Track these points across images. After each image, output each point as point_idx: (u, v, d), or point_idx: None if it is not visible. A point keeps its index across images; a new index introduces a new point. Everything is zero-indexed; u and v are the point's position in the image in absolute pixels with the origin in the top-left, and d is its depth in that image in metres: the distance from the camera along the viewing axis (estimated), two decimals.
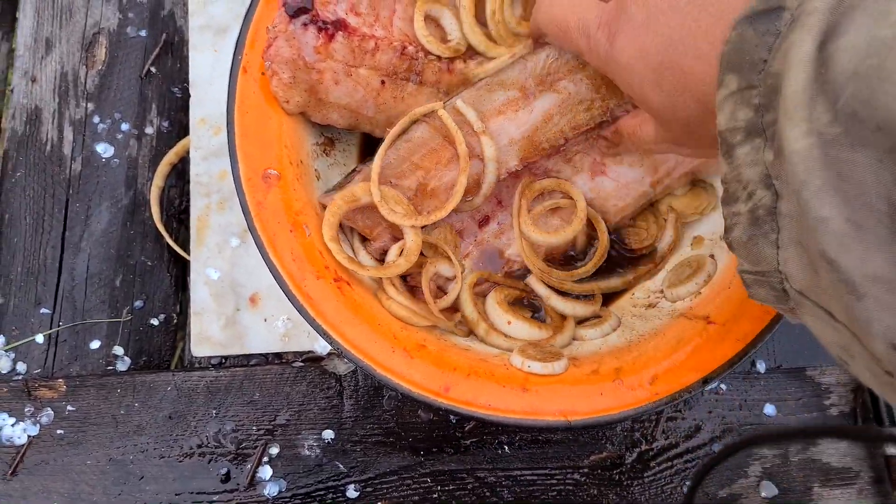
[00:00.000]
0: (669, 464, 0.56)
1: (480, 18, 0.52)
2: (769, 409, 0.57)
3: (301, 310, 0.45)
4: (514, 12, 0.52)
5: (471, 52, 0.52)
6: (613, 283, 0.52)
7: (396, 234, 0.49)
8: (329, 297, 0.46)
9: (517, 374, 0.46)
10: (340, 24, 0.48)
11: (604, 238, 0.51)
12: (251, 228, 0.45)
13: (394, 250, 0.49)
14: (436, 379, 0.45)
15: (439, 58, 0.51)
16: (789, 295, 0.30)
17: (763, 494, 0.56)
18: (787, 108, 0.25)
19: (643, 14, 0.36)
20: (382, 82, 0.51)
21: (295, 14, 0.47)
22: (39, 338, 0.57)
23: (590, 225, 0.52)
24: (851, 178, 0.23)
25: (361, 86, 0.50)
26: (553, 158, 0.51)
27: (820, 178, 0.24)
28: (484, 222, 0.52)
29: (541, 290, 0.51)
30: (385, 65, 0.50)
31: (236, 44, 0.47)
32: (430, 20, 0.51)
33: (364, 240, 0.50)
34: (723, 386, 0.57)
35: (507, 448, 0.56)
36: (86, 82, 0.61)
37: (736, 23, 0.29)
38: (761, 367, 0.57)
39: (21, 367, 0.57)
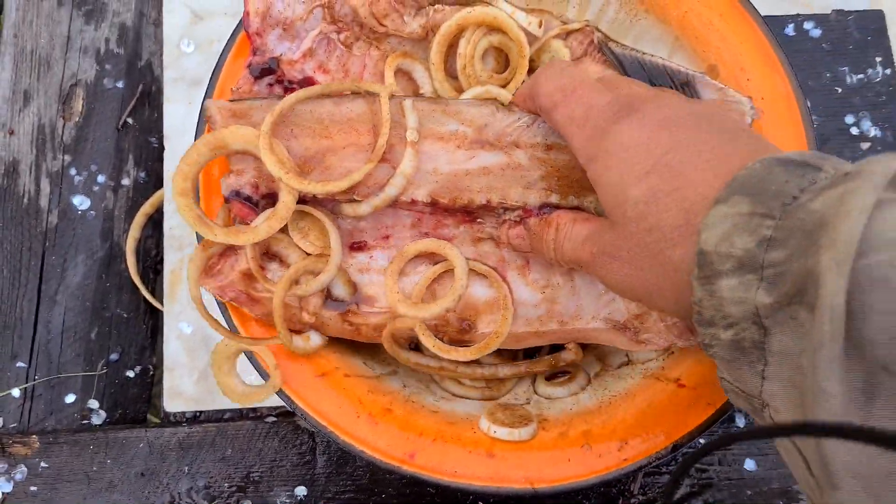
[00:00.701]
0: None
1: (451, 72, 0.51)
2: (749, 463, 0.55)
3: (264, 375, 0.44)
4: (484, 66, 0.52)
5: None
6: (503, 371, 0.48)
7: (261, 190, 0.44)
8: (293, 361, 0.45)
9: (484, 438, 0.45)
10: (307, 83, 0.48)
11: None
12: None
13: (260, 218, 0.43)
14: (401, 445, 0.44)
15: None
16: (768, 419, 0.28)
17: None
18: (838, 254, 0.23)
19: (658, 116, 0.34)
20: None
21: (260, 75, 0.47)
22: (15, 392, 0.57)
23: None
24: None
25: None
26: (460, 227, 0.46)
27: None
28: (358, 248, 0.46)
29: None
30: None
31: (203, 101, 0.47)
32: (402, 73, 0.51)
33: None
34: (701, 440, 0.56)
35: None
36: (63, 134, 0.61)
37: (762, 158, 0.28)
38: (740, 421, 0.56)
39: None
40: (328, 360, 0.46)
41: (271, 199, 0.44)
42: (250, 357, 0.44)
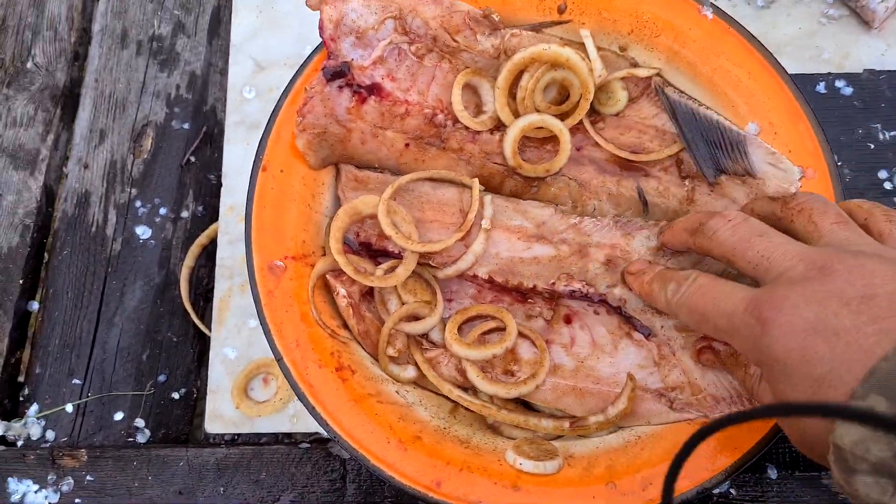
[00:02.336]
0: None
1: (515, 93, 0.54)
2: None
3: (301, 397, 0.47)
4: (544, 98, 0.55)
5: (496, 126, 0.54)
6: (543, 425, 0.50)
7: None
8: (329, 385, 0.48)
9: (509, 471, 0.46)
10: (374, 89, 0.52)
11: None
12: (260, 316, 0.48)
13: (380, 270, 0.51)
14: (428, 472, 0.46)
15: (466, 127, 0.54)
16: None
17: None
18: None
19: (811, 313, 0.34)
20: (407, 144, 0.54)
21: (332, 77, 0.51)
22: (69, 407, 0.61)
23: None
24: None
25: (386, 146, 0.54)
26: (514, 304, 0.52)
27: None
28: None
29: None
30: (412, 129, 0.54)
31: (259, 143, 0.51)
32: (468, 87, 0.55)
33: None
34: (732, 491, 0.55)
35: None
36: (132, 169, 0.66)
37: None
38: (772, 473, 0.55)
39: (50, 434, 0.60)
40: (363, 387, 0.49)
41: (366, 246, 0.53)
42: (287, 373, 0.47)
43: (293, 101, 0.52)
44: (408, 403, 0.50)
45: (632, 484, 0.45)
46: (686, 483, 0.44)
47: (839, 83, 0.64)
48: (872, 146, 0.62)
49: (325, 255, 0.52)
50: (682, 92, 0.55)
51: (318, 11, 0.51)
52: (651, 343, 0.50)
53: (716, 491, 0.55)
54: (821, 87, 0.64)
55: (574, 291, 0.51)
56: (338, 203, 0.53)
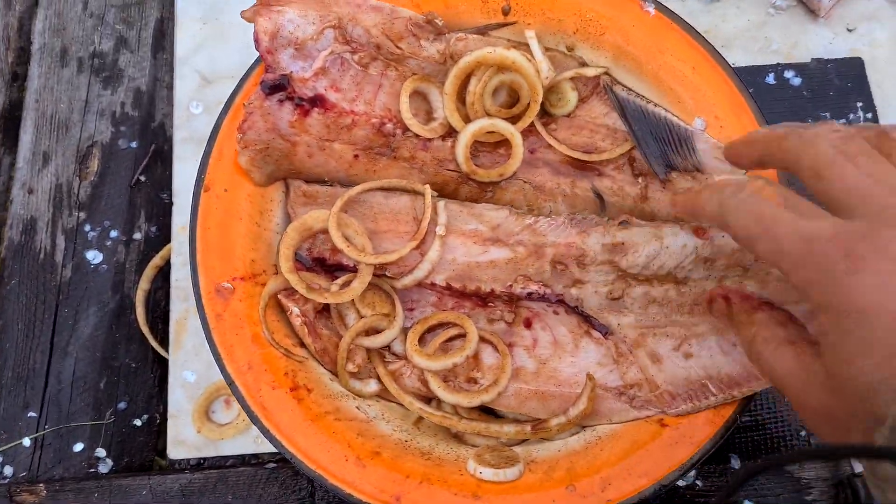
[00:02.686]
0: None
1: (463, 97, 0.54)
2: None
3: (255, 420, 0.46)
4: (494, 102, 0.54)
5: (448, 133, 0.54)
6: (506, 431, 0.49)
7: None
8: (284, 406, 0.47)
9: (470, 480, 0.46)
10: (318, 100, 0.51)
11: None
12: (209, 340, 0.47)
13: (335, 285, 0.50)
14: (388, 488, 0.45)
15: (417, 135, 0.53)
16: None
17: None
18: None
19: None
20: (356, 156, 0.53)
21: (271, 91, 0.50)
22: (26, 441, 0.59)
23: None
24: None
25: (334, 159, 0.53)
26: (476, 309, 0.52)
27: None
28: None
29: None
30: (360, 140, 0.53)
31: (201, 162, 0.50)
32: (417, 94, 0.54)
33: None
34: (698, 482, 0.56)
35: None
36: (78, 192, 0.65)
37: None
38: (735, 462, 0.56)
39: (8, 470, 0.59)
40: (320, 405, 0.48)
41: (320, 262, 0.51)
42: (239, 397, 0.46)
43: (234, 117, 0.51)
44: (368, 419, 0.49)
45: (591, 485, 0.45)
46: (644, 481, 0.44)
47: (788, 73, 0.64)
48: None
49: (277, 273, 0.51)
50: (630, 90, 0.55)
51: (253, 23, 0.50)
52: (609, 341, 0.50)
53: (681, 483, 0.55)
54: (770, 79, 0.64)
55: (531, 293, 0.51)
56: (289, 219, 0.53)
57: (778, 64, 0.64)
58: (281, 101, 0.50)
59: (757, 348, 0.38)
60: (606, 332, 0.50)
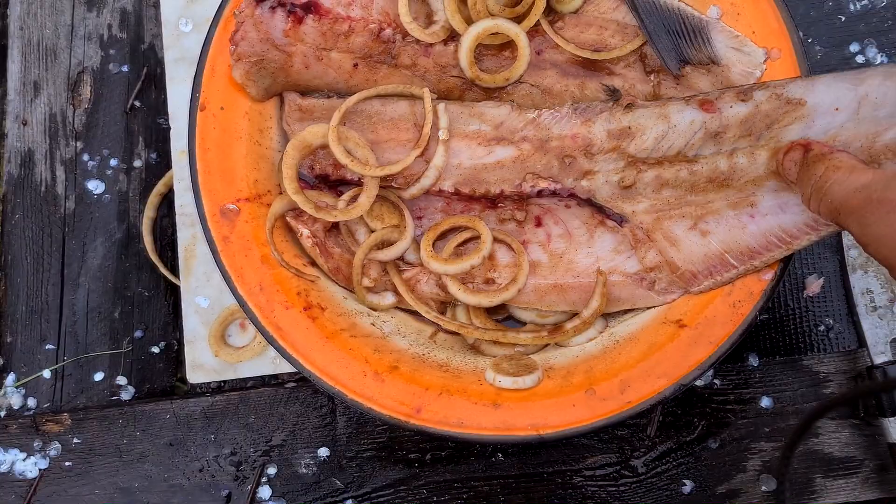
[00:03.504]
0: (666, 462, 0.55)
1: None
2: (765, 401, 0.55)
3: (271, 340, 0.46)
4: (497, 1, 0.51)
5: (450, 36, 0.51)
6: (522, 338, 0.49)
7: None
8: (299, 325, 0.47)
9: (489, 389, 0.46)
10: (311, 6, 0.49)
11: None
12: (218, 263, 0.47)
13: (342, 202, 0.49)
14: (407, 400, 0.45)
15: (418, 41, 0.51)
16: None
17: (763, 488, 0.55)
18: None
19: None
20: (355, 65, 0.51)
21: None
22: (46, 373, 0.60)
23: None
24: None
25: (332, 69, 0.51)
26: (486, 211, 0.51)
27: None
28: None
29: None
30: (359, 48, 0.51)
31: (194, 80, 0.48)
32: None
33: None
34: (716, 381, 0.56)
35: (500, 455, 0.56)
36: (73, 121, 0.63)
37: None
38: (754, 360, 0.56)
39: (32, 402, 0.60)
40: (335, 322, 0.48)
41: (323, 178, 0.50)
42: (253, 319, 0.46)
43: (224, 29, 0.48)
44: (384, 334, 0.49)
45: (610, 388, 0.45)
46: (663, 381, 0.44)
47: None
48: (843, 18, 0.59)
49: (281, 193, 0.50)
50: None
51: None
52: (625, 228, 0.49)
53: (700, 383, 0.56)
54: None
55: (542, 190, 0.49)
56: (286, 137, 0.51)
57: None
58: (273, 9, 0.48)
59: (829, 176, 0.39)
60: (622, 219, 0.49)
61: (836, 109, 0.44)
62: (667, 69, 0.51)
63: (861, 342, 0.56)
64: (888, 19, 0.59)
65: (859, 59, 0.59)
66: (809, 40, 0.59)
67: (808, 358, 0.56)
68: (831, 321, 0.57)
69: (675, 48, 0.50)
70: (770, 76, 0.48)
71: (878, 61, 0.59)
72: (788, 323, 0.57)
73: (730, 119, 0.46)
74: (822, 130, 0.45)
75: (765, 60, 0.49)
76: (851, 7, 0.59)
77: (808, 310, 0.57)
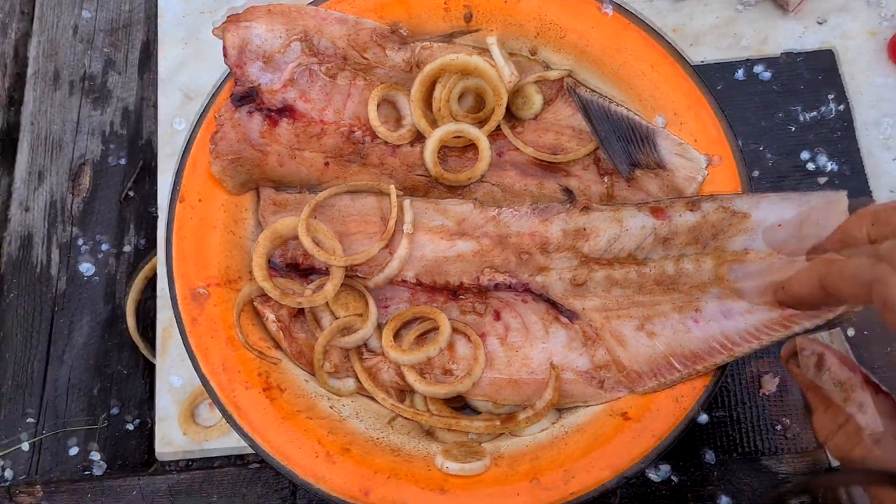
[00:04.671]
0: None
1: (429, 104, 0.55)
2: (724, 501, 0.55)
3: (228, 418, 0.48)
4: (461, 107, 0.56)
5: (416, 138, 0.55)
6: (475, 426, 0.51)
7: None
8: (257, 405, 0.49)
9: (437, 475, 0.47)
10: (287, 111, 0.53)
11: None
12: (185, 343, 0.49)
13: (308, 289, 0.52)
14: (356, 482, 0.46)
15: (386, 142, 0.55)
16: None
17: None
18: None
19: None
20: (326, 163, 0.55)
21: (240, 103, 0.52)
22: (25, 445, 0.62)
23: None
24: None
25: (305, 166, 0.55)
26: (448, 303, 0.53)
27: None
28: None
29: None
30: (330, 148, 0.55)
31: (175, 174, 0.53)
32: (385, 102, 0.56)
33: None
34: (674, 478, 0.56)
35: None
36: (72, 208, 0.68)
37: None
38: (710, 457, 0.56)
39: (9, 473, 0.61)
40: (292, 404, 0.50)
41: (293, 266, 0.53)
42: (214, 397, 0.48)
43: (207, 129, 0.53)
44: (341, 417, 0.51)
45: (554, 478, 0.46)
46: (607, 473, 0.45)
47: (758, 68, 0.65)
48: (793, 128, 0.63)
49: (252, 279, 0.53)
50: (593, 90, 0.56)
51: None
52: (576, 325, 0.51)
53: (657, 479, 0.56)
54: (740, 74, 0.65)
55: (498, 284, 0.52)
56: (261, 227, 0.55)
57: (748, 59, 0.65)
58: (251, 113, 0.52)
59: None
60: (573, 316, 0.51)
61: (779, 226, 0.47)
62: (618, 172, 0.54)
63: (819, 443, 0.56)
64: (837, 129, 0.63)
65: (810, 166, 0.62)
66: (762, 148, 0.63)
67: (767, 457, 0.56)
68: (788, 421, 0.57)
69: (626, 153, 0.54)
70: (712, 181, 0.52)
71: (829, 169, 0.62)
72: (745, 421, 0.58)
73: (679, 226, 0.49)
74: (765, 244, 0.48)
75: (707, 166, 0.52)
76: (801, 118, 0.63)
77: (765, 408, 0.58)
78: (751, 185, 0.51)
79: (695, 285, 0.49)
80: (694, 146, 0.52)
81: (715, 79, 0.64)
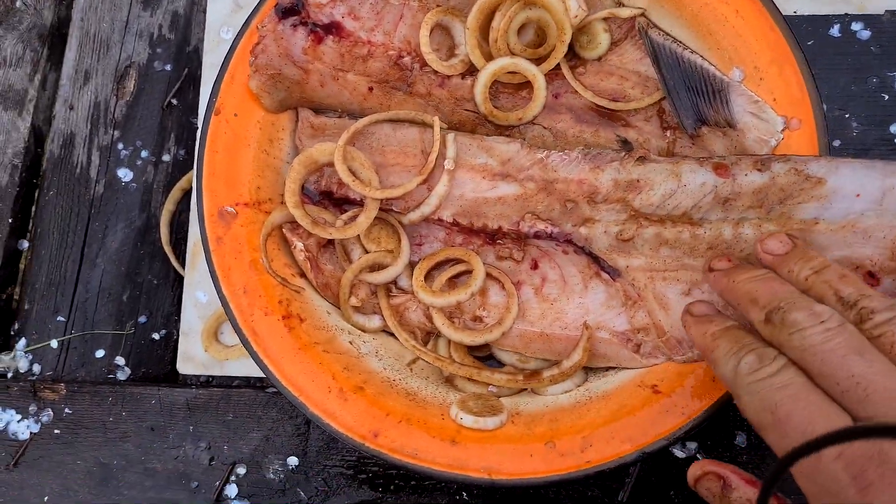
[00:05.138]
0: None
1: (486, 34, 0.52)
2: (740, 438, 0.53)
3: (245, 342, 0.47)
4: (520, 40, 0.52)
5: (468, 70, 0.52)
6: (497, 378, 0.48)
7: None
8: (275, 333, 0.47)
9: (450, 425, 0.46)
10: (333, 27, 0.50)
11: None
12: (208, 261, 0.48)
13: (340, 220, 0.50)
14: (366, 423, 0.45)
15: (436, 71, 0.52)
16: None
17: None
18: None
19: None
20: (370, 88, 0.52)
21: (284, 14, 0.49)
22: (54, 343, 0.63)
23: None
24: None
25: (348, 90, 0.52)
26: (485, 246, 0.50)
27: None
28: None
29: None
30: (376, 72, 0.52)
31: (213, 85, 0.50)
32: (439, 28, 0.52)
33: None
34: (699, 456, 0.53)
35: (464, 495, 0.55)
36: (114, 111, 0.66)
37: None
38: (741, 440, 0.53)
39: (37, 368, 0.63)
40: (310, 335, 0.48)
41: (327, 195, 0.51)
42: (232, 319, 0.47)
43: (249, 40, 0.50)
44: (359, 354, 0.49)
45: (571, 444, 0.43)
46: (628, 446, 0.43)
47: (856, 25, 0.58)
48: (886, 97, 0.57)
49: (283, 203, 0.51)
50: (667, 34, 0.51)
51: None
52: (617, 283, 0.48)
53: (681, 455, 0.53)
54: (834, 31, 0.58)
55: (538, 232, 0.49)
56: (297, 150, 0.52)
57: (846, 14, 0.58)
58: (294, 26, 0.49)
59: None
60: (615, 273, 0.48)
61: (858, 196, 0.42)
62: (683, 128, 0.50)
63: None
64: None
65: None
66: (847, 116, 0.57)
67: None
68: None
69: (694, 107, 0.49)
70: (786, 146, 0.47)
71: None
72: None
73: (743, 187, 0.45)
74: (839, 214, 0.43)
75: (783, 129, 0.47)
76: None
77: None
78: (829, 155, 0.45)
79: (751, 253, 0.45)
80: (772, 105, 0.47)
81: (806, 33, 0.58)
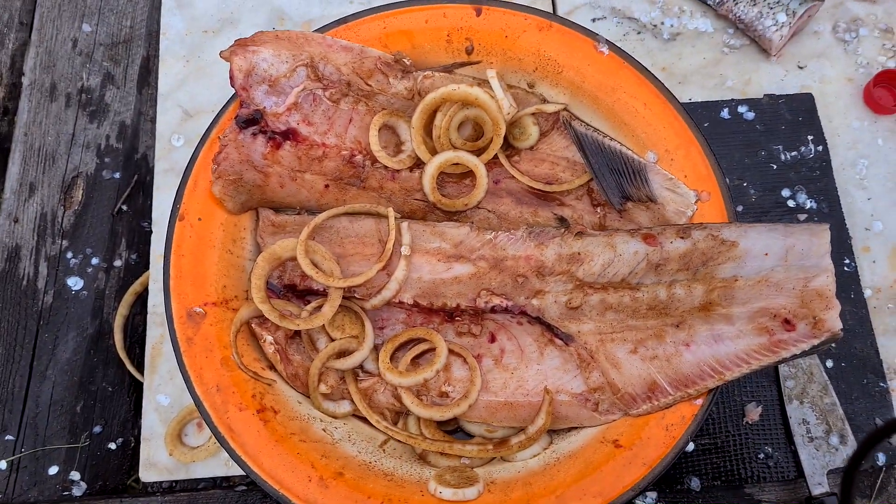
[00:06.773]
0: None
1: (429, 131, 0.57)
2: None
3: (221, 440, 0.47)
4: (460, 135, 0.57)
5: (415, 164, 0.56)
6: (468, 450, 0.51)
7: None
8: (251, 427, 0.48)
9: (430, 500, 0.47)
10: (290, 134, 0.54)
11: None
12: (179, 363, 0.49)
13: (305, 311, 0.52)
14: None
15: (386, 167, 0.56)
16: None
17: None
18: None
19: None
20: (327, 186, 0.56)
21: (244, 125, 0.53)
22: (2, 464, 0.60)
23: None
24: None
25: (305, 188, 0.56)
26: (444, 324, 0.54)
27: None
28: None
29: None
30: (331, 171, 0.56)
31: (177, 192, 0.53)
32: (386, 128, 0.57)
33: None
34: None
35: None
36: (62, 221, 0.67)
37: None
38: (695, 484, 0.57)
39: None
40: (286, 426, 0.49)
41: (291, 288, 0.54)
42: (206, 418, 0.48)
43: (210, 149, 0.53)
44: (334, 440, 0.51)
45: None
46: (598, 501, 0.46)
47: (741, 108, 0.67)
48: (775, 167, 0.66)
49: (249, 299, 0.53)
50: (588, 124, 0.58)
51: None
52: (571, 348, 0.52)
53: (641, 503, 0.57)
54: (724, 113, 0.67)
55: (494, 306, 0.53)
56: (259, 248, 0.55)
57: (732, 99, 0.67)
58: (254, 135, 0.53)
59: None
60: (568, 339, 0.52)
61: (766, 255, 0.49)
62: (611, 204, 0.56)
63: (800, 472, 0.57)
64: (816, 169, 0.65)
65: (791, 203, 0.64)
66: (745, 184, 0.65)
67: (750, 486, 0.58)
68: (770, 449, 0.59)
69: (618, 185, 0.56)
70: (700, 216, 0.53)
71: (808, 206, 0.64)
72: (729, 449, 0.59)
73: (670, 253, 0.51)
74: (753, 271, 0.49)
75: (696, 201, 0.54)
76: (782, 157, 0.66)
77: (748, 437, 0.59)
78: (736, 220, 0.53)
79: (686, 310, 0.50)
80: (684, 181, 0.54)
81: (702, 117, 0.67)
